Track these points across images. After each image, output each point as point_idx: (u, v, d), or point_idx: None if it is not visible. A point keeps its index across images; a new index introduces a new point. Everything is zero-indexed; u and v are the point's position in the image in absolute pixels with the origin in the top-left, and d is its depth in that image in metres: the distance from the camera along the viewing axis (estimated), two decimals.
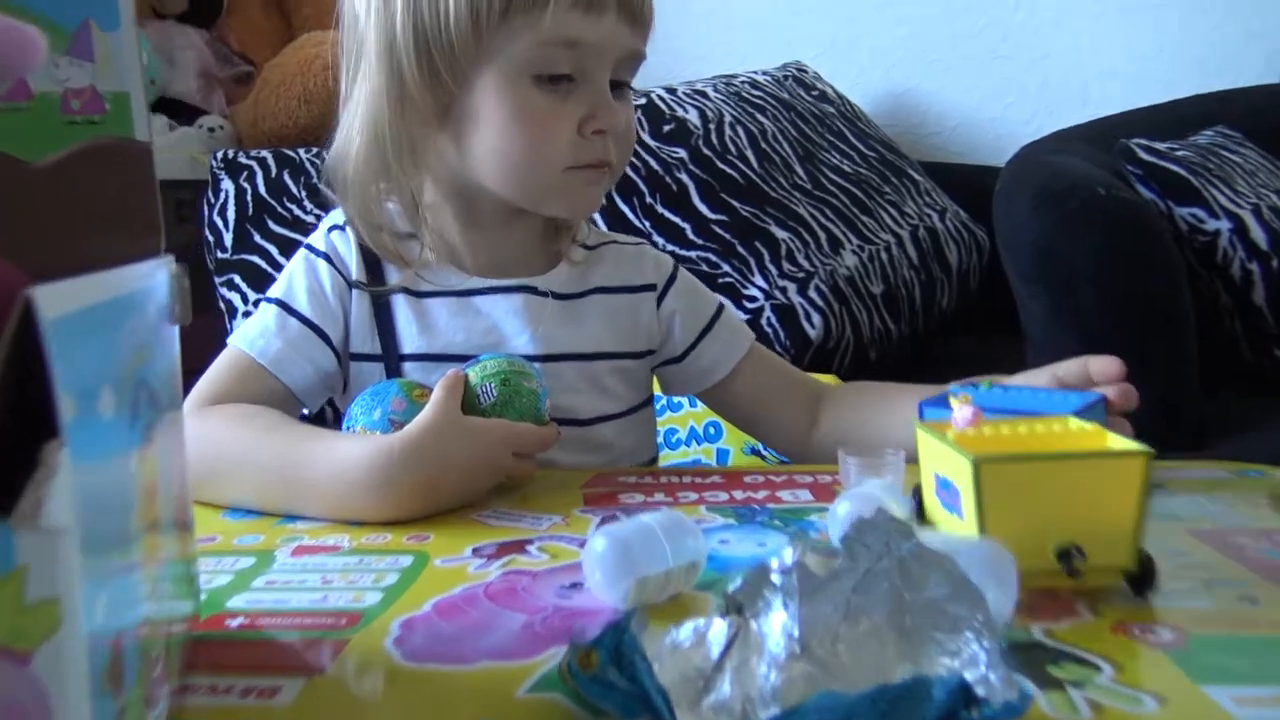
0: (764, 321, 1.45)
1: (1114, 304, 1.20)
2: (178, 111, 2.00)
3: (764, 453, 1.13)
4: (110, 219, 0.43)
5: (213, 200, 1.59)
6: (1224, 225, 1.41)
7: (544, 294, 0.81)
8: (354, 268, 0.80)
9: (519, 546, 0.58)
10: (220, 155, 1.63)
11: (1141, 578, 0.48)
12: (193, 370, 0.79)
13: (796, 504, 0.65)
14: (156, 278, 0.41)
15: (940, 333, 1.78)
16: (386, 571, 0.54)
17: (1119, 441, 0.50)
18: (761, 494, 0.68)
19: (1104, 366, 0.70)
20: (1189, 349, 1.24)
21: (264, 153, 1.65)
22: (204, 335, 0.89)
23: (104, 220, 0.42)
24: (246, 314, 1.47)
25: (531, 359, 0.78)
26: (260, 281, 1.48)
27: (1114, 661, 0.41)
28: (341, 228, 0.81)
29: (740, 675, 0.34)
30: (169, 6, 2.03)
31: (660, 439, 1.14)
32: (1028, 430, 0.53)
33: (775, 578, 0.36)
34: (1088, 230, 1.19)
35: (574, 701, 0.38)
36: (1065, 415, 0.56)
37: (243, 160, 1.63)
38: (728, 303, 0.94)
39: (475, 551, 0.57)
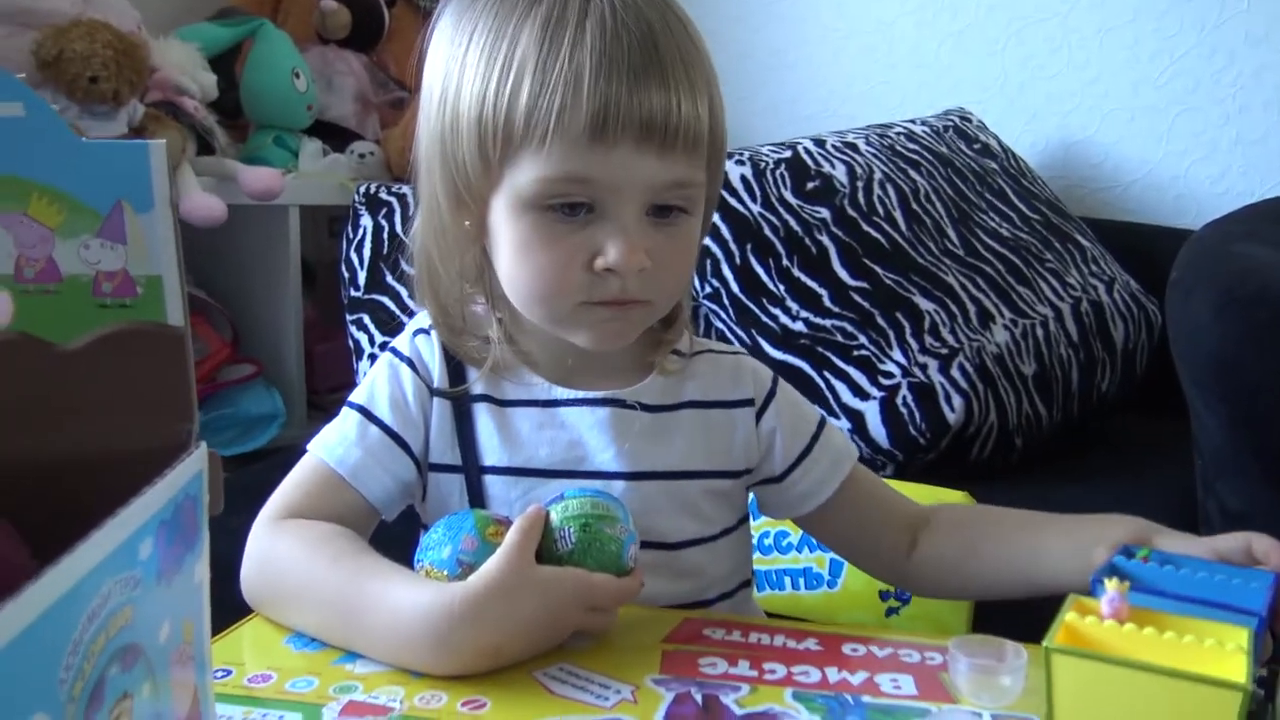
0: (899, 401, 1.36)
1: None
2: (333, 135, 2.05)
3: None
4: (140, 405, 0.40)
5: (351, 236, 1.61)
6: None
7: (632, 406, 0.76)
8: (436, 374, 0.76)
9: None
10: (362, 190, 1.65)
11: None
12: (324, 392, 0.77)
13: (895, 698, 0.58)
14: (187, 476, 0.38)
15: (1097, 414, 1.64)
16: None
17: (1234, 668, 0.43)
18: (859, 677, 0.61)
19: (1269, 548, 0.62)
20: None
21: (404, 189, 1.66)
22: (337, 359, 0.86)
23: (134, 406, 0.40)
24: (372, 355, 1.48)
25: (617, 476, 0.74)
26: (388, 324, 1.49)
27: None
28: (427, 331, 0.78)
29: None
30: (331, 31, 2.08)
31: (771, 540, 1.08)
32: (1160, 637, 0.46)
33: None
34: (1278, 344, 1.06)
35: None
36: (1253, 614, 0.50)
37: (383, 196, 1.64)
38: (829, 419, 0.87)
39: None
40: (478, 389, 0.76)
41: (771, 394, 0.82)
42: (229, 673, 0.59)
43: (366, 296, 1.53)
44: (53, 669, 0.27)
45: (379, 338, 1.48)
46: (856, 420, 1.36)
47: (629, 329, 0.73)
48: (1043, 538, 0.74)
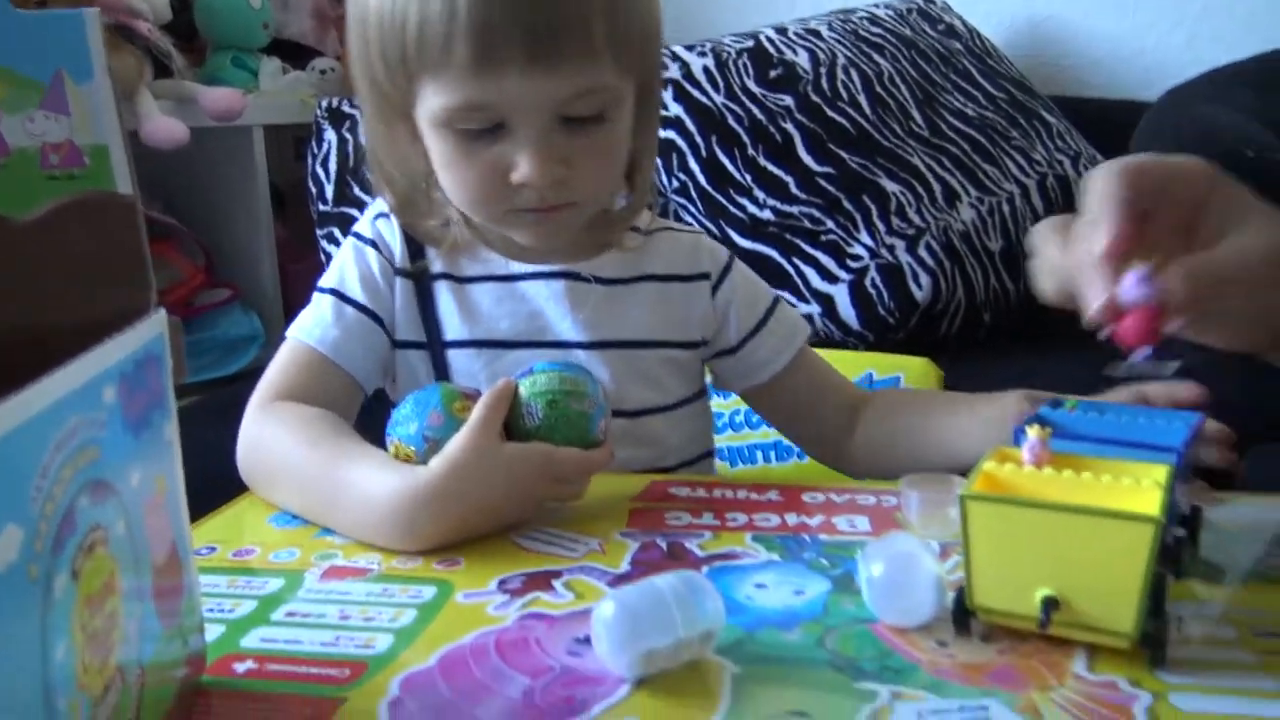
0: (868, 282, 1.38)
1: None
2: (293, 53, 2.02)
3: None
4: (99, 274, 0.41)
5: (316, 151, 1.60)
6: None
7: (587, 279, 0.79)
8: (398, 254, 0.80)
9: (546, 581, 0.56)
10: (324, 105, 1.64)
11: (1150, 647, 0.45)
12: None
13: (851, 535, 0.61)
14: (149, 335, 0.40)
15: None
16: (406, 607, 0.53)
17: (1148, 501, 0.45)
18: (817, 519, 0.64)
19: (1187, 389, 0.64)
20: None
21: None
22: (312, 277, 0.90)
23: (93, 275, 0.41)
24: None
25: (577, 345, 0.77)
26: None
27: None
28: (386, 215, 0.81)
29: None
30: None
31: (742, 418, 1.11)
32: (1078, 477, 0.48)
33: None
34: None
35: None
36: (1172, 450, 0.51)
37: (346, 110, 1.63)
38: (783, 296, 0.91)
39: (501, 585, 0.55)
40: (437, 268, 0.79)
41: (727, 269, 0.85)
42: (214, 549, 0.62)
43: (335, 210, 1.54)
44: (23, 486, 0.29)
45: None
46: (826, 304, 1.39)
47: (561, 228, 0.76)
48: (963, 417, 0.77)
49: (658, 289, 0.81)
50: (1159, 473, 0.49)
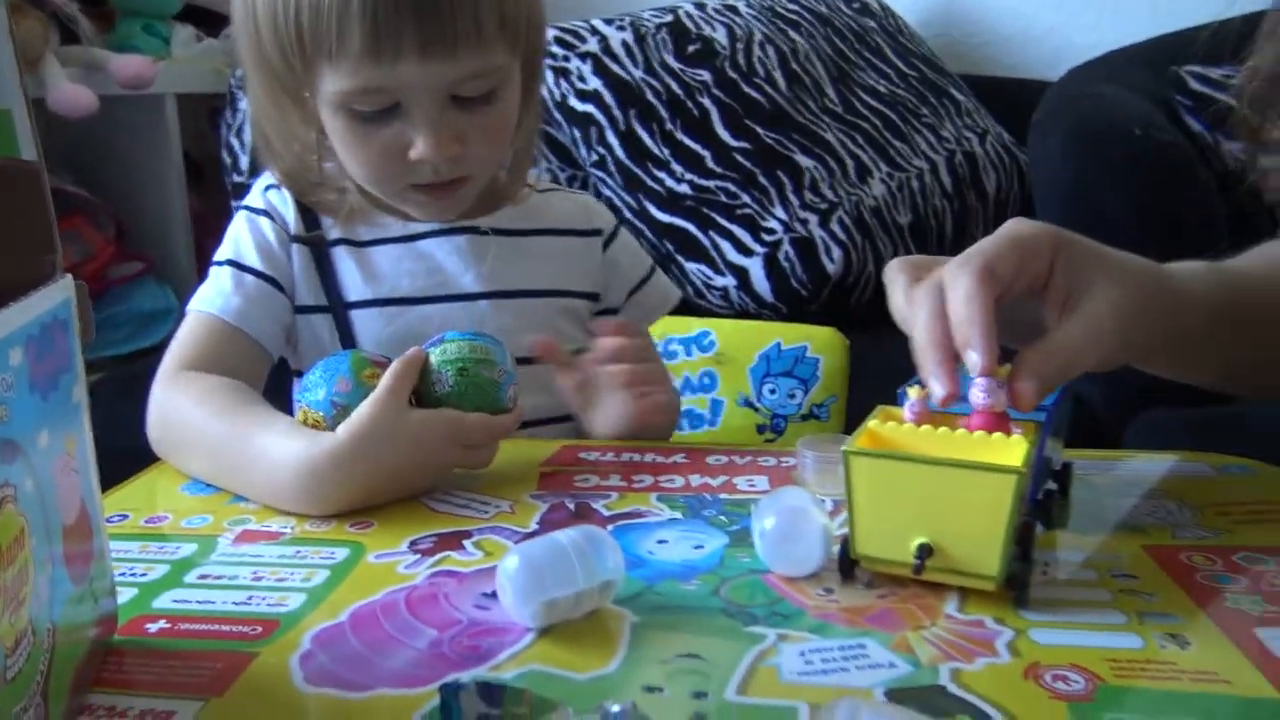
0: (781, 255, 1.42)
1: (1145, 256, 1.14)
2: (206, 20, 1.98)
3: (757, 405, 1.12)
4: (3, 240, 0.42)
5: (230, 121, 1.58)
6: (1277, 162, 1.33)
7: (485, 232, 0.83)
8: (292, 221, 0.82)
9: (456, 541, 0.58)
10: (239, 73, 1.61)
11: (1015, 589, 0.49)
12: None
13: (751, 494, 0.64)
14: (54, 301, 0.41)
15: None
16: (318, 568, 0.55)
17: (1013, 455, 0.49)
18: (720, 480, 0.67)
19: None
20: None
21: None
22: None
23: None
24: None
25: (479, 297, 0.81)
26: None
27: (1013, 716, 0.40)
28: (277, 186, 0.83)
29: None
30: None
31: None
32: (953, 434, 0.52)
33: None
34: (1122, 177, 1.13)
35: None
36: (1042, 410, 0.55)
37: None
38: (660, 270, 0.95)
39: (412, 545, 0.57)
40: (334, 234, 0.82)
41: (616, 230, 0.91)
42: (125, 517, 0.62)
43: (251, 181, 1.51)
44: None
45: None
46: (741, 276, 1.42)
47: (456, 202, 0.80)
48: None
49: (554, 241, 0.86)
50: (1027, 430, 0.52)
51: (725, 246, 1.44)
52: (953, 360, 0.52)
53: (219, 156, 1.72)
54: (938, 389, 0.52)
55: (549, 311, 0.84)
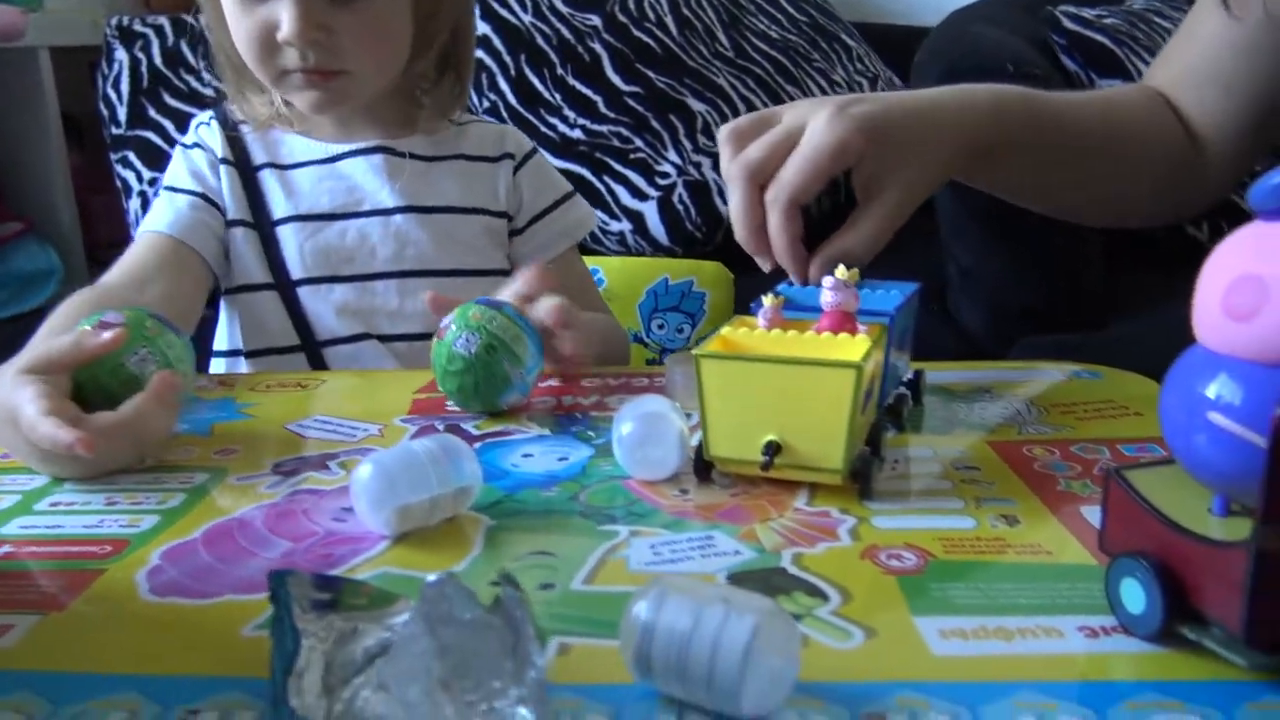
0: (675, 199, 1.42)
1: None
2: None
3: (646, 340, 1.13)
4: None
5: (106, 71, 1.52)
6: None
7: (402, 154, 0.89)
8: (220, 150, 0.89)
9: (321, 463, 0.58)
10: (114, 23, 1.56)
11: (859, 481, 0.51)
12: (104, 245, 0.89)
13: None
14: None
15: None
16: (176, 491, 0.54)
17: (854, 352, 0.50)
18: (592, 399, 0.68)
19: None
20: (1090, 243, 1.23)
21: (161, 19, 1.57)
22: (114, 209, 0.96)
23: None
24: (142, 193, 1.44)
25: (394, 211, 0.87)
26: (156, 159, 1.44)
27: (845, 590, 0.42)
28: (207, 122, 0.92)
29: (329, 675, 0.33)
30: None
31: None
32: (801, 336, 0.53)
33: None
34: None
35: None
36: (886, 314, 0.57)
37: (138, 28, 1.55)
38: (583, 199, 0.98)
39: (275, 468, 0.57)
40: (261, 159, 0.89)
41: (530, 155, 0.94)
42: None
43: (130, 133, 1.47)
44: None
45: (148, 174, 1.42)
46: (637, 220, 1.42)
47: (336, 96, 0.84)
48: None
49: (467, 165, 0.91)
50: (872, 330, 0.54)
51: (620, 191, 1.44)
52: (767, 243, 0.62)
53: (98, 111, 1.66)
54: (764, 265, 0.62)
55: (466, 228, 0.89)
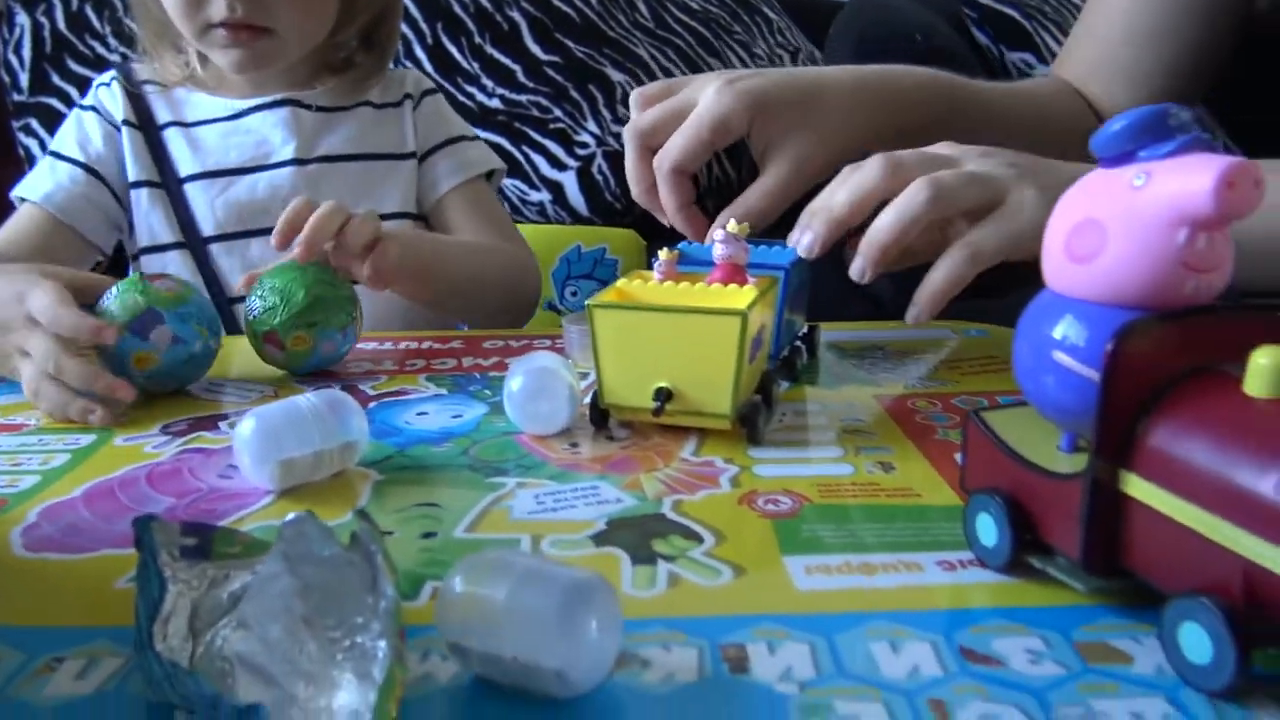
0: (595, 169, 1.42)
1: None
2: None
3: (560, 307, 1.13)
4: None
5: (7, 36, 1.47)
6: (1048, 70, 1.41)
7: (308, 106, 0.91)
8: (121, 112, 0.89)
9: (211, 423, 0.57)
10: None
11: (747, 427, 0.53)
12: (7, 212, 0.89)
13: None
14: None
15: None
16: (59, 452, 0.53)
17: (740, 300, 0.51)
18: (492, 360, 0.68)
19: None
20: None
21: None
22: (14, 182, 0.95)
23: None
24: None
25: (299, 163, 0.89)
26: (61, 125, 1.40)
27: (719, 533, 0.43)
28: (107, 84, 0.92)
29: (199, 615, 0.33)
30: None
31: None
32: (692, 287, 0.54)
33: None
34: None
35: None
36: (779, 268, 0.59)
37: None
38: (486, 146, 1.00)
39: (164, 429, 0.56)
40: (166, 118, 0.90)
41: (428, 93, 0.97)
42: None
43: (32, 100, 1.42)
44: None
45: (50, 141, 1.38)
46: (556, 191, 1.42)
47: (261, 57, 0.84)
48: None
49: (374, 112, 0.93)
50: (761, 282, 0.55)
51: (539, 161, 1.44)
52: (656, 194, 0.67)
53: None
54: (662, 220, 0.67)
55: (377, 174, 0.91)
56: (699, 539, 0.43)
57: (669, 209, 0.67)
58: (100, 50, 1.46)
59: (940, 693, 0.32)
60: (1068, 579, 0.37)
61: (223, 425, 0.57)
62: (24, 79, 1.43)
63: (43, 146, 1.39)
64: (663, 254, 0.57)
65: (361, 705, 0.29)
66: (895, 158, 0.59)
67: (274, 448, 0.47)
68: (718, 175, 1.54)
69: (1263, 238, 0.55)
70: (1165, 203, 0.34)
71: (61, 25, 1.47)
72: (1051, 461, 0.38)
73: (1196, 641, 0.32)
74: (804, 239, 0.60)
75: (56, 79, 1.43)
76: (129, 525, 0.45)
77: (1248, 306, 0.35)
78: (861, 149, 0.68)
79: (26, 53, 1.44)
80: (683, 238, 0.69)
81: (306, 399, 0.49)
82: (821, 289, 0.68)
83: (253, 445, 0.47)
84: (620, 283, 0.56)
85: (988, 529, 0.39)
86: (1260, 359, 0.32)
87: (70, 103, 1.40)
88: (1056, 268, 0.37)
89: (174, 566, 0.36)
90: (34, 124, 1.41)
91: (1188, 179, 0.33)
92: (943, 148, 0.62)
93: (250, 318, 0.64)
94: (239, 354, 0.71)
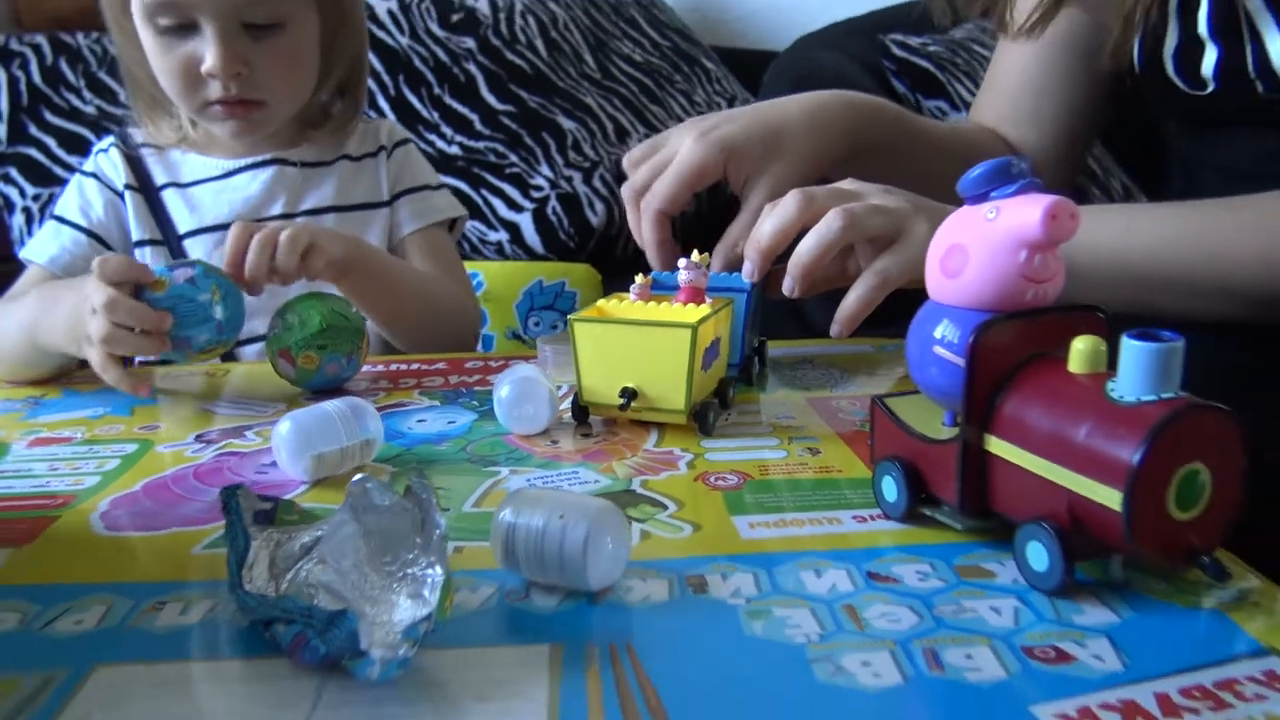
0: (549, 210, 1.53)
1: None
2: None
3: (524, 336, 1.23)
4: None
5: None
6: (963, 115, 1.55)
7: (293, 164, 0.98)
8: (122, 179, 0.96)
9: (238, 433, 0.66)
10: None
11: (699, 421, 0.63)
12: None
13: None
14: None
15: (727, 217, 1.90)
16: (110, 459, 0.62)
17: (694, 317, 0.62)
18: (475, 378, 0.78)
19: None
20: None
21: (39, 39, 1.60)
22: None
23: None
24: (26, 209, 1.47)
25: (286, 216, 0.96)
26: (39, 175, 1.47)
27: (680, 501, 0.53)
28: (106, 150, 0.99)
29: (279, 559, 0.43)
30: None
31: None
32: (658, 306, 0.65)
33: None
34: None
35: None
36: (742, 290, 0.71)
37: (14, 47, 1.58)
38: (451, 195, 1.08)
39: (198, 438, 0.65)
40: (163, 179, 0.97)
41: (400, 144, 1.05)
42: None
43: (11, 150, 1.49)
44: None
45: (31, 190, 1.46)
46: (513, 231, 1.53)
47: (255, 126, 0.92)
48: None
49: (350, 165, 1.01)
50: (716, 303, 0.66)
51: (497, 204, 1.54)
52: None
53: None
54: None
55: (357, 223, 0.99)
56: (664, 506, 0.53)
57: (648, 243, 0.79)
58: (75, 102, 1.53)
59: (851, 601, 0.42)
60: (950, 521, 0.48)
61: (248, 434, 0.66)
62: (2, 131, 1.50)
63: (22, 194, 1.46)
64: (638, 279, 0.68)
65: (414, 619, 0.39)
66: (809, 193, 0.70)
67: (307, 444, 0.56)
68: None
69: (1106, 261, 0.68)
70: (1009, 231, 0.45)
71: (37, 79, 1.55)
72: (937, 433, 0.49)
73: (1037, 555, 0.43)
74: (745, 268, 0.71)
75: (34, 130, 1.50)
76: (189, 510, 0.54)
77: (1071, 308, 0.47)
78: (824, 169, 0.80)
79: (3, 105, 1.52)
80: (630, 276, 0.80)
81: (333, 404, 0.58)
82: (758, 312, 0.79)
83: (290, 441, 0.56)
84: (600, 302, 0.67)
85: (890, 488, 0.50)
86: (1078, 345, 0.44)
87: (49, 153, 1.48)
88: (935, 282, 0.49)
89: (252, 529, 0.45)
90: (13, 173, 1.48)
91: (1024, 213, 0.45)
92: (848, 184, 0.73)
93: (270, 334, 0.73)
94: (257, 377, 0.80)
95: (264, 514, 0.46)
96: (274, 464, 0.59)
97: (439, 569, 0.40)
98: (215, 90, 0.88)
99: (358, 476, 0.42)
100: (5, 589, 0.45)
